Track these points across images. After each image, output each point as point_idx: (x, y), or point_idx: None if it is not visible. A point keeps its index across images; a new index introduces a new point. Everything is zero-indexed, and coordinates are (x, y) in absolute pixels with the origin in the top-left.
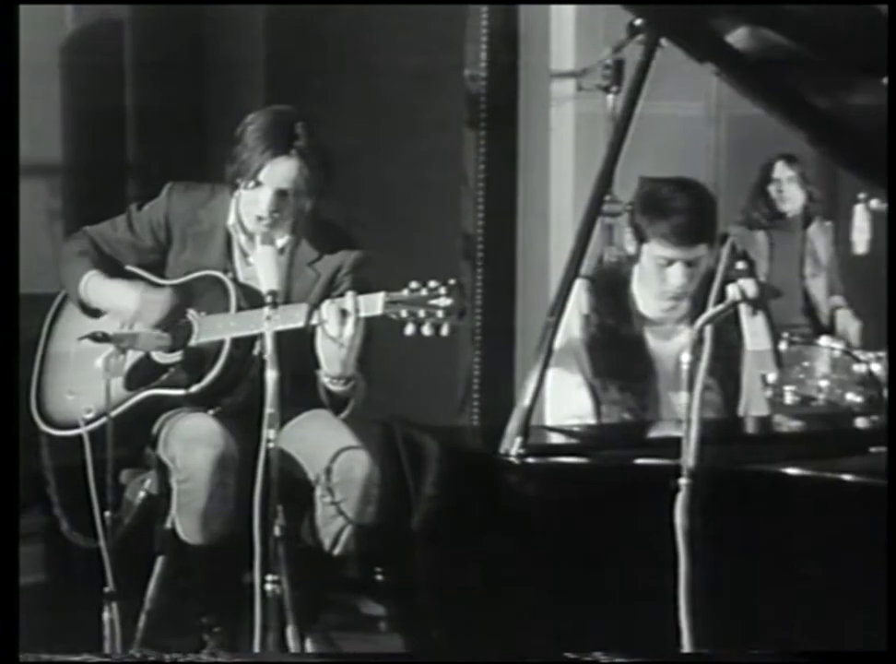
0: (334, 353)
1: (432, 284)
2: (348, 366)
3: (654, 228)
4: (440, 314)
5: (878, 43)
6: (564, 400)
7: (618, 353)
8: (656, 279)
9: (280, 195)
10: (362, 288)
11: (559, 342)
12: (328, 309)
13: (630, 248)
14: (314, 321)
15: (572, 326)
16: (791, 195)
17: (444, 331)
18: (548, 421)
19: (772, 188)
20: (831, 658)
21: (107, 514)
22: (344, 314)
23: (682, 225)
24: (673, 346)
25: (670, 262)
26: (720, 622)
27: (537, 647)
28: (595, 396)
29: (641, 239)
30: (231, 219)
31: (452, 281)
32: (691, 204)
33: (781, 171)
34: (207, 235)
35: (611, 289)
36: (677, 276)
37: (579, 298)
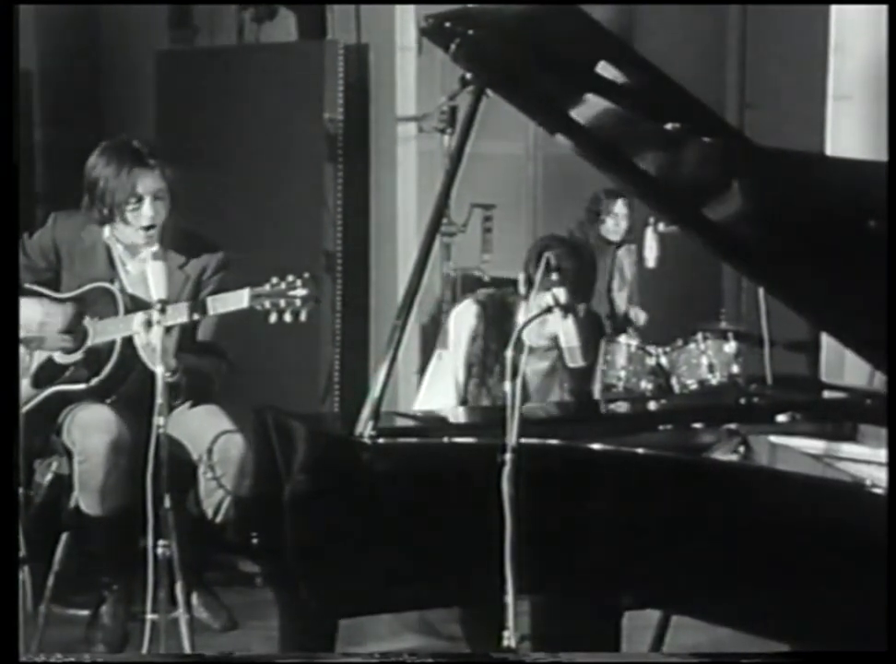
0: (151, 355)
1: (290, 278)
2: (168, 363)
3: (544, 282)
4: (298, 302)
5: (660, 94)
6: (438, 398)
7: (496, 371)
8: (539, 322)
9: (156, 200)
10: (227, 286)
11: (440, 360)
12: (136, 321)
13: (523, 290)
14: (195, 317)
15: (461, 343)
16: (623, 228)
17: (303, 317)
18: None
19: (609, 221)
20: (832, 658)
21: (20, 490)
22: (148, 324)
23: (568, 283)
24: (542, 365)
25: (551, 310)
26: (538, 571)
27: (388, 599)
28: (466, 398)
29: (530, 286)
30: (107, 233)
31: (306, 274)
32: (579, 267)
33: (619, 207)
34: (90, 251)
35: (499, 316)
36: (556, 323)
37: (469, 319)
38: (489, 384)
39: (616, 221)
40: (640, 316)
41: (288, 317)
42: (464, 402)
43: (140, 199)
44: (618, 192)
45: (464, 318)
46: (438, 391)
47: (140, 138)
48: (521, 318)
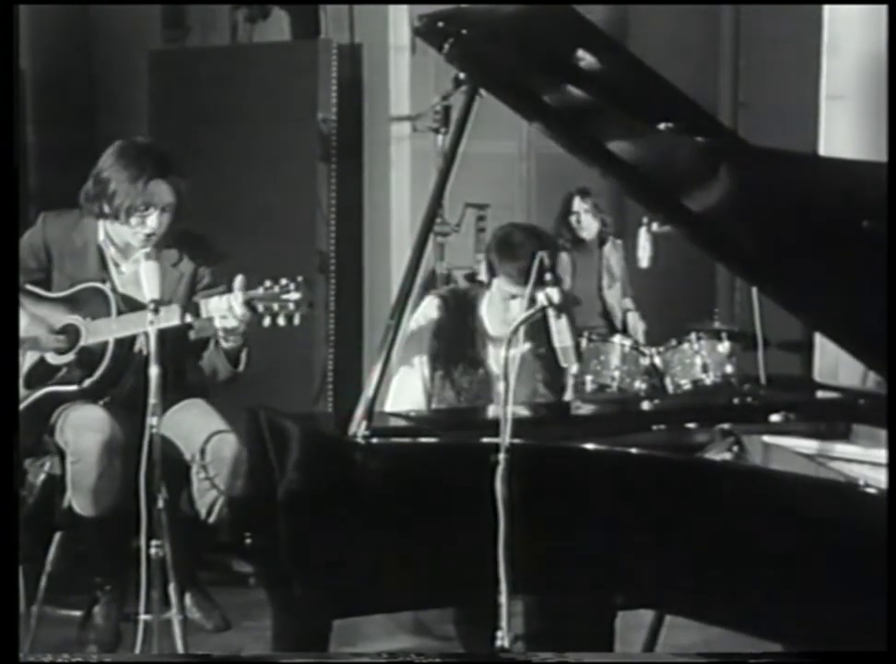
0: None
1: (283, 281)
2: (237, 329)
3: (503, 267)
4: (291, 306)
5: (653, 94)
6: (406, 395)
7: (460, 364)
8: (501, 309)
9: (163, 213)
10: (221, 280)
11: (407, 348)
12: (218, 306)
13: (484, 279)
14: (187, 319)
15: (423, 335)
16: (587, 224)
17: (296, 321)
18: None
19: (572, 219)
20: (832, 658)
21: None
22: (230, 307)
23: (525, 268)
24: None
25: (514, 296)
26: (530, 570)
27: (382, 600)
28: (431, 393)
29: (492, 274)
30: (102, 236)
31: (299, 278)
32: (536, 250)
33: (578, 204)
34: (82, 252)
35: (461, 309)
36: (517, 309)
37: (430, 313)
38: (454, 376)
39: (577, 218)
40: (638, 327)
41: (281, 321)
42: (430, 396)
43: (148, 209)
44: (585, 190)
45: (426, 313)
46: (405, 387)
47: (163, 146)
48: (484, 311)
